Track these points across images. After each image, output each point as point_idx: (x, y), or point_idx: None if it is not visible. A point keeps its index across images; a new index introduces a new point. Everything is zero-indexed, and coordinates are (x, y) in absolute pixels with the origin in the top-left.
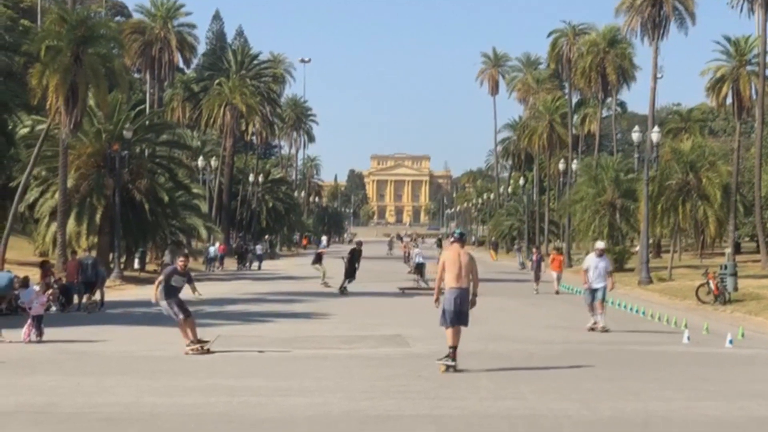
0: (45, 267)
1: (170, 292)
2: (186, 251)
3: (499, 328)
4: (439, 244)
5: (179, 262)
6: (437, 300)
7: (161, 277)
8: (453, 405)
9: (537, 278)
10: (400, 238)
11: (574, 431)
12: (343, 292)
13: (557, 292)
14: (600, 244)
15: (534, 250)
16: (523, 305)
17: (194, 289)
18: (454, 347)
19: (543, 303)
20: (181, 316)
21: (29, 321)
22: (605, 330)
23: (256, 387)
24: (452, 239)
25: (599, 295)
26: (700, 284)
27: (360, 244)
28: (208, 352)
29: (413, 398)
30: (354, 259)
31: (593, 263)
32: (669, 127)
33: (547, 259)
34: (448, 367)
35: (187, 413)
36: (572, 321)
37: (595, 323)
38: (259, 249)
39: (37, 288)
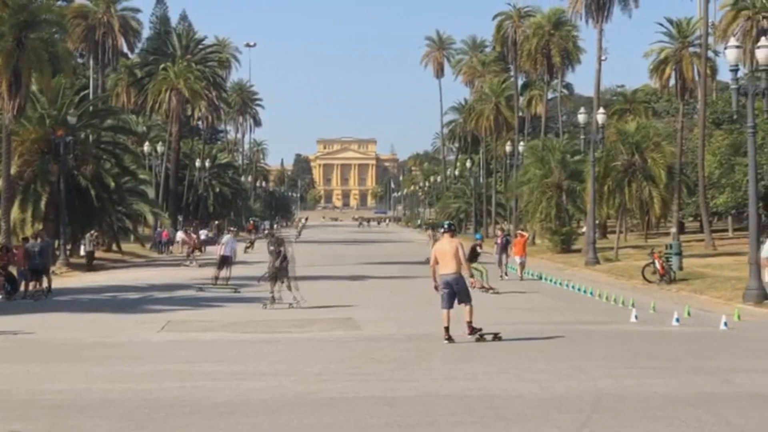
0: (2, 251)
1: None
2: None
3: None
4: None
5: None
6: (436, 287)
7: None
8: (407, 386)
9: (501, 262)
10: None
11: (528, 410)
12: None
13: (521, 278)
14: None
15: (499, 231)
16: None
17: None
18: (446, 327)
19: (502, 286)
20: None
21: None
22: None
23: (210, 371)
24: (443, 230)
25: None
26: (646, 264)
27: (481, 240)
28: None
29: (367, 380)
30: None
31: None
32: (614, 108)
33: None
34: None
35: (140, 398)
36: (528, 303)
37: None
38: (203, 234)
39: None
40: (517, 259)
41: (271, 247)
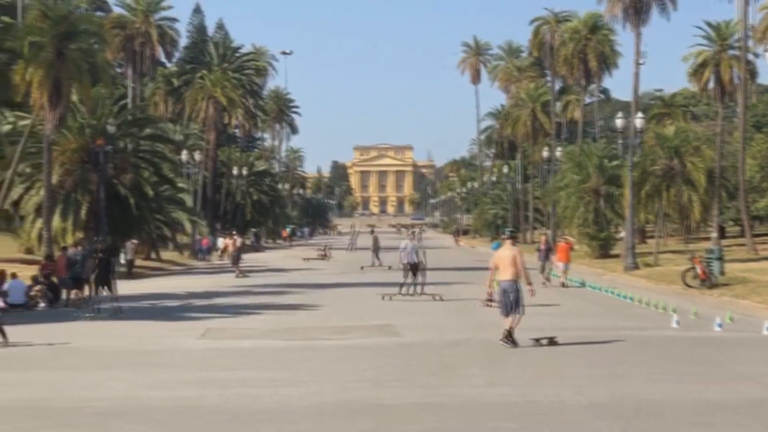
0: (47, 260)
1: None
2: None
3: (489, 316)
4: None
5: None
6: (490, 292)
7: None
8: (447, 393)
9: (544, 268)
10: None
11: (568, 416)
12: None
13: (564, 285)
14: None
15: (543, 237)
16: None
17: None
18: (507, 329)
19: (539, 292)
20: None
21: None
22: None
23: (249, 379)
24: (504, 236)
25: None
26: (687, 269)
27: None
28: None
29: (407, 387)
30: None
31: None
32: (652, 112)
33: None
34: (513, 344)
35: (181, 406)
36: (567, 309)
37: None
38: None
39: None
40: (561, 265)
41: (99, 255)
